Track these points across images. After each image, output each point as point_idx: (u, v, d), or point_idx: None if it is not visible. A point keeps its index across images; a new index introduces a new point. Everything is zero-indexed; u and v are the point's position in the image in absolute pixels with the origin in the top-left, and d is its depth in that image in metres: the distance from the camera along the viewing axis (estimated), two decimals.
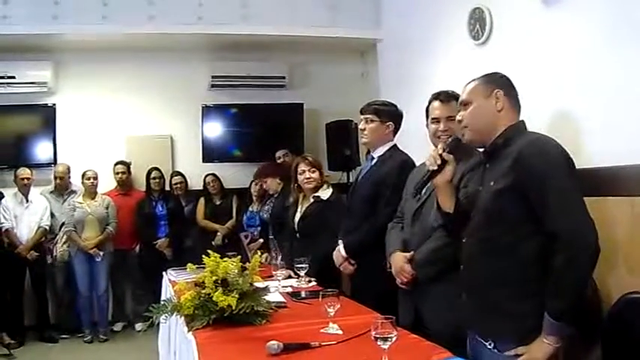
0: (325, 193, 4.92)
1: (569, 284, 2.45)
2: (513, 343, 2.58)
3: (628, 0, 3.50)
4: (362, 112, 4.32)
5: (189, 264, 3.61)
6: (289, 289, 4.13)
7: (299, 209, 5.04)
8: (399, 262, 3.58)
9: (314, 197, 4.91)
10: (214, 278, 3.16)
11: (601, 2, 3.73)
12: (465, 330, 2.90)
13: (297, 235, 4.98)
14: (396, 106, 4.40)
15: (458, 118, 2.90)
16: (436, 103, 3.61)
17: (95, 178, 7.41)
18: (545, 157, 2.57)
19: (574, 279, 2.45)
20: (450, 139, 3.02)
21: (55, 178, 7.57)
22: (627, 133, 3.53)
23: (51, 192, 7.63)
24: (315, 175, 4.94)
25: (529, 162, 2.56)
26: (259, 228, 7.05)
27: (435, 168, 2.86)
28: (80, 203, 7.30)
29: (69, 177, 7.67)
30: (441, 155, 2.88)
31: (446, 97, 3.58)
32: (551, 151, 2.61)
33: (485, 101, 2.79)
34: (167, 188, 7.98)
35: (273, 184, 6.25)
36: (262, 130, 8.39)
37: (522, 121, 2.83)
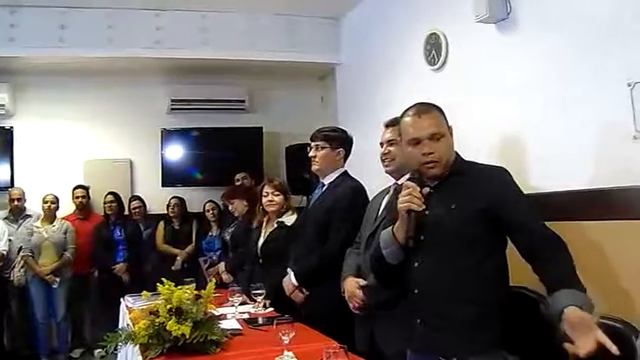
0: (290, 219, 4.89)
1: (568, 260, 2.58)
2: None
3: (578, 27, 3.59)
4: (312, 139, 4.34)
5: (144, 291, 3.59)
6: (246, 316, 4.10)
7: (262, 233, 5.00)
8: (350, 287, 3.61)
9: (278, 222, 4.88)
10: (168, 307, 3.13)
11: (553, 29, 3.83)
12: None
13: (260, 260, 4.94)
14: (346, 132, 4.44)
15: (429, 150, 2.81)
16: (383, 129, 3.69)
17: (54, 203, 7.33)
18: (511, 184, 2.80)
19: (568, 255, 2.59)
20: (412, 175, 2.92)
21: (11, 200, 7.42)
22: (575, 159, 3.64)
23: (5, 217, 7.44)
24: (279, 198, 4.92)
25: (501, 188, 2.76)
26: (219, 252, 7.03)
27: (424, 207, 2.75)
28: (37, 227, 7.21)
29: (24, 200, 7.51)
30: (421, 192, 2.77)
31: (391, 122, 3.63)
32: (512, 178, 2.83)
33: (450, 135, 2.87)
34: (126, 212, 7.90)
35: (239, 207, 6.22)
36: (222, 154, 8.35)
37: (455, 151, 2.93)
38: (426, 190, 2.80)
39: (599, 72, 3.44)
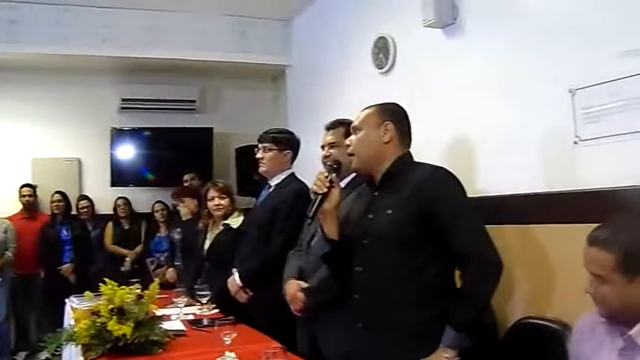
0: (235, 221, 4.85)
1: (477, 297, 2.61)
2: None
3: (523, 34, 3.67)
4: (259, 141, 4.33)
5: (87, 291, 3.56)
6: (191, 317, 4.09)
7: (208, 236, 4.98)
8: (292, 289, 3.61)
9: (223, 225, 4.85)
10: (110, 307, 3.11)
11: (498, 35, 3.90)
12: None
13: (207, 262, 4.91)
14: (293, 134, 4.45)
15: (347, 142, 2.96)
16: (325, 131, 3.70)
17: None
18: (450, 186, 2.75)
19: (483, 293, 2.62)
20: (329, 163, 3.04)
21: None
22: (518, 163, 3.69)
23: None
24: (225, 201, 4.90)
25: (436, 189, 2.70)
26: (167, 253, 6.98)
27: (325, 191, 2.83)
28: None
29: None
30: (328, 178, 2.86)
31: (332, 124, 3.68)
32: (452, 180, 2.78)
33: (374, 131, 2.86)
34: (74, 212, 7.80)
35: (191, 205, 6.19)
36: (172, 155, 8.27)
37: (409, 152, 2.93)
38: (333, 175, 2.88)
39: (543, 78, 3.51)
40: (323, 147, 3.67)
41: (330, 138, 3.63)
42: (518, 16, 3.72)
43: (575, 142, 3.29)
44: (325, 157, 3.61)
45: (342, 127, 3.57)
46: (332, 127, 3.66)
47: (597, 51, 3.14)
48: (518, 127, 3.70)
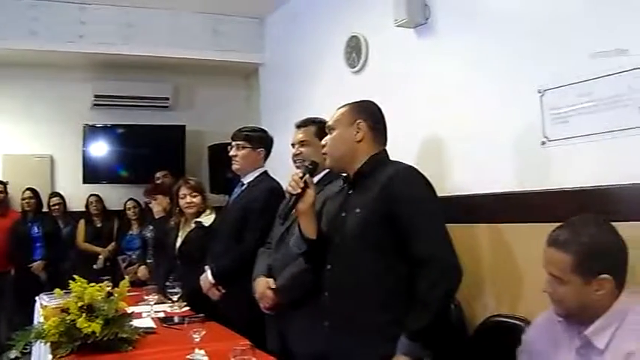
0: (207, 219, 4.84)
1: (430, 304, 2.56)
2: None
3: (494, 35, 3.71)
4: (233, 139, 4.32)
5: (56, 289, 3.54)
6: (162, 314, 4.09)
7: (180, 234, 4.96)
8: (261, 287, 3.61)
9: (195, 222, 4.84)
10: (80, 304, 3.10)
11: (470, 35, 3.93)
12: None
13: (178, 260, 4.89)
14: (266, 132, 4.46)
15: (322, 142, 2.98)
16: (295, 129, 3.71)
17: None
18: (414, 186, 2.72)
19: (436, 298, 2.57)
20: (305, 163, 3.06)
21: None
22: (489, 162, 3.72)
23: None
24: (197, 199, 4.89)
25: (400, 189, 2.68)
26: (139, 250, 6.95)
27: (299, 192, 2.84)
28: None
29: None
30: (302, 179, 2.87)
31: (303, 122, 3.70)
32: (418, 180, 2.76)
33: (346, 130, 2.87)
34: (45, 209, 7.72)
35: (163, 202, 6.16)
36: (144, 152, 8.22)
37: (384, 150, 2.94)
38: (307, 176, 2.89)
39: (513, 78, 3.54)
40: (293, 145, 3.69)
41: (300, 136, 3.65)
42: (489, 16, 3.76)
43: (544, 143, 3.32)
44: (295, 155, 3.63)
45: (313, 125, 3.60)
46: (303, 125, 3.68)
47: (567, 52, 3.18)
48: (489, 126, 3.72)
